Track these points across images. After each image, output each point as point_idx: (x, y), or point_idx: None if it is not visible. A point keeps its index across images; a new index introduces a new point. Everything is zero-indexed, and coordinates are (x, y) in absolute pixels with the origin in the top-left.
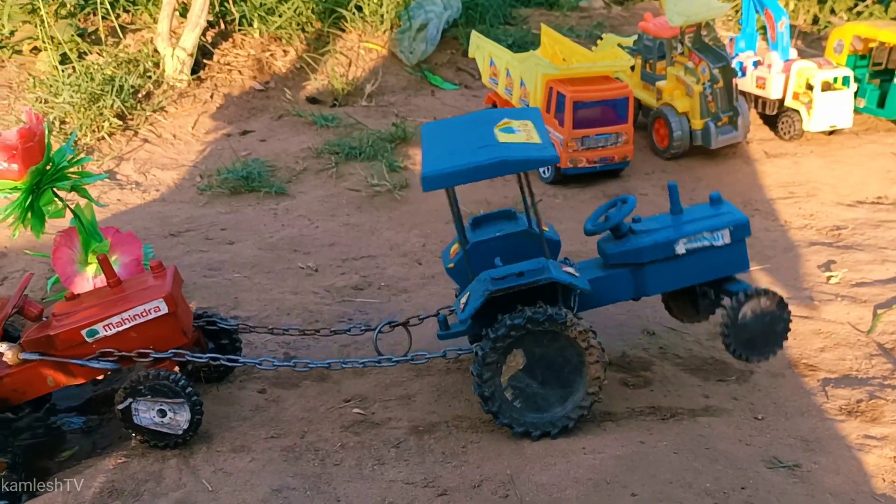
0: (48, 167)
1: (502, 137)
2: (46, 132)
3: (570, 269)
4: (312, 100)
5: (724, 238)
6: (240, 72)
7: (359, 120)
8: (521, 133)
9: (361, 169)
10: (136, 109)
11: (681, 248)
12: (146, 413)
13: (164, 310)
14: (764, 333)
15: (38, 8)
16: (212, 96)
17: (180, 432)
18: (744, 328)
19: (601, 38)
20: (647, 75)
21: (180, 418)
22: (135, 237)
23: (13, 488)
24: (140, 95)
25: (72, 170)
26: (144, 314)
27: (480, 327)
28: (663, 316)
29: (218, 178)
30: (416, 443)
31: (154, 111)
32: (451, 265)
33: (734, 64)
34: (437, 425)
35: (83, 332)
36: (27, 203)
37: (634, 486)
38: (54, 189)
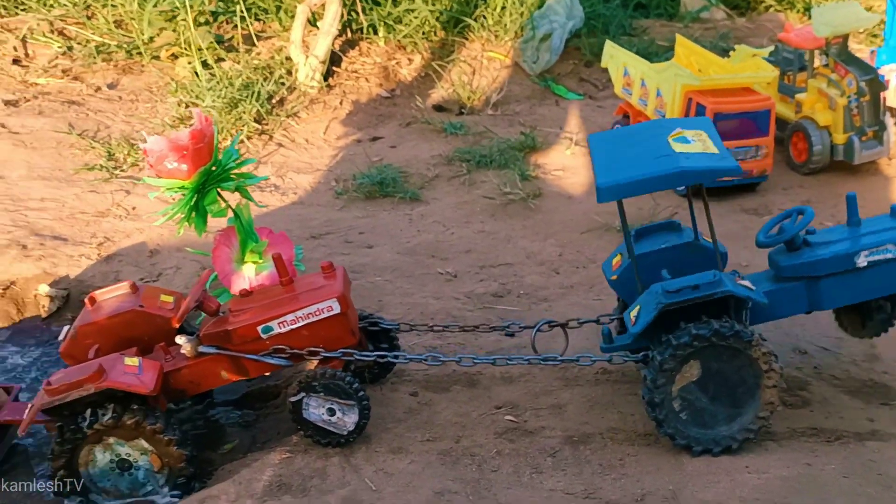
0: (213, 168)
1: (678, 147)
2: (215, 134)
3: (746, 282)
4: (439, 107)
5: None
6: (367, 79)
7: (488, 128)
8: (697, 143)
9: (493, 177)
10: (271, 115)
11: (862, 261)
12: (316, 409)
13: (337, 310)
14: None
15: (178, 15)
16: (341, 103)
17: (345, 433)
18: None
19: (733, 50)
20: (786, 87)
21: (348, 419)
22: (287, 238)
23: (186, 479)
24: (274, 101)
25: (236, 171)
26: (317, 313)
27: (646, 342)
28: (814, 334)
29: (353, 183)
30: (572, 453)
31: (287, 116)
32: (615, 277)
33: None
34: (591, 436)
35: (259, 329)
36: (192, 202)
37: None
38: (218, 189)
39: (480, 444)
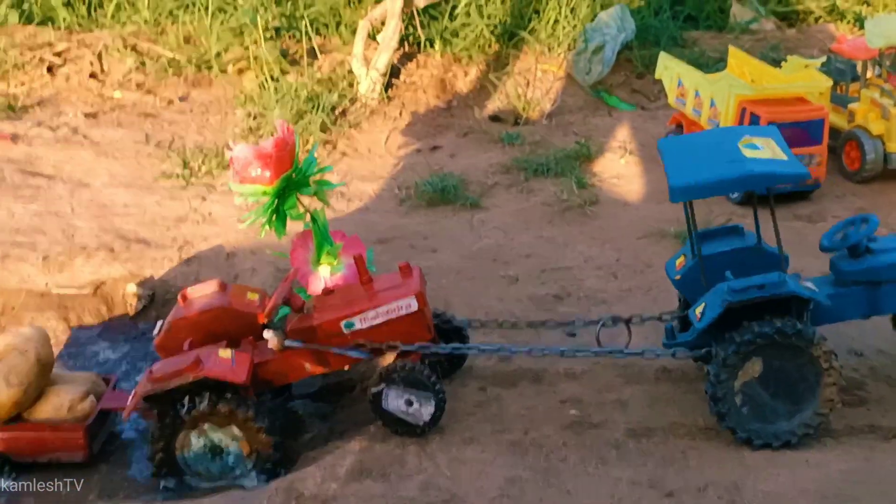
0: (294, 175)
1: (748, 153)
2: (297, 143)
3: (809, 284)
4: (494, 118)
5: None
6: (424, 91)
7: (544, 137)
8: (766, 150)
9: (550, 184)
10: (334, 125)
11: None
12: (395, 401)
13: (415, 307)
14: None
15: (244, 31)
16: (400, 114)
17: (421, 423)
18: None
19: (784, 61)
20: (838, 97)
21: (424, 411)
22: (360, 241)
23: (273, 465)
24: (337, 112)
25: (315, 177)
26: (397, 310)
27: (708, 339)
28: (869, 336)
29: (416, 190)
30: (636, 446)
31: (350, 127)
32: (678, 277)
33: None
34: (654, 430)
35: (342, 324)
36: (274, 207)
37: (864, 500)
38: (298, 194)
39: (547, 435)
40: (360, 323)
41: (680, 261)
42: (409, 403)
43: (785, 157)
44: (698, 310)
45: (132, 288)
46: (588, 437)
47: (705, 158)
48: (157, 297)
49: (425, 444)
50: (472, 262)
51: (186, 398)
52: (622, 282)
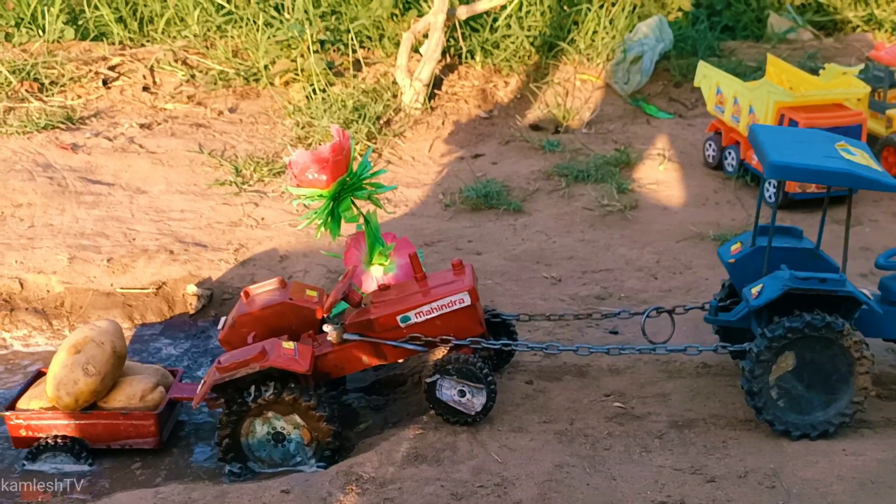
0: (348, 179)
1: (845, 155)
2: (352, 147)
3: (867, 291)
4: (535, 127)
5: None
6: (465, 101)
7: (584, 144)
8: (860, 157)
9: (591, 190)
10: (380, 134)
11: None
12: (448, 391)
13: (468, 302)
14: None
15: (291, 44)
16: (443, 123)
17: (472, 413)
18: None
19: (822, 69)
20: (876, 104)
21: (476, 401)
22: (409, 242)
23: (332, 452)
24: (382, 122)
25: (369, 180)
26: (450, 304)
27: (749, 321)
28: None
29: (460, 196)
30: (678, 436)
31: (395, 136)
32: (732, 261)
33: None
34: (695, 421)
35: (398, 318)
36: (329, 209)
37: None
38: (352, 197)
39: (592, 426)
40: (415, 317)
41: (736, 246)
42: (462, 394)
43: (877, 168)
44: (755, 289)
45: (192, 288)
46: (631, 428)
47: (804, 148)
48: (214, 297)
49: (476, 432)
50: (516, 264)
51: (252, 387)
52: (662, 282)
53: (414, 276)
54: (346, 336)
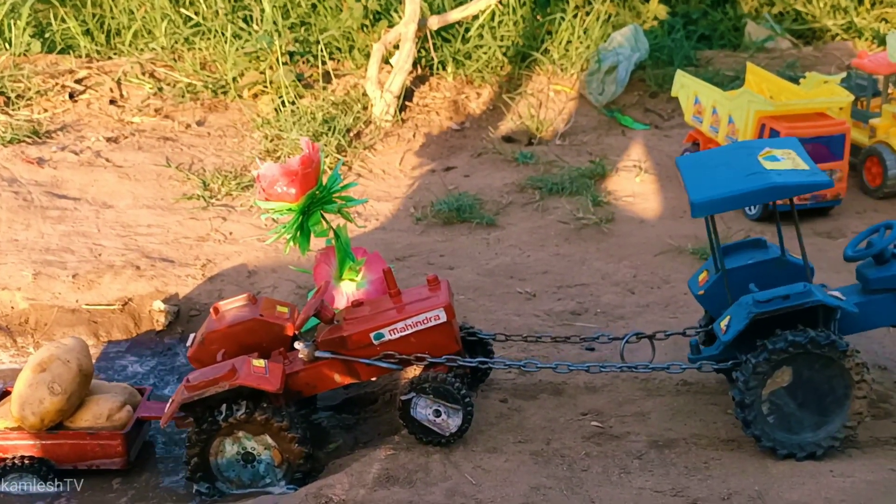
0: (318, 192)
1: (768, 165)
2: (322, 159)
3: (836, 293)
4: (508, 139)
5: None
6: (437, 113)
7: (559, 156)
8: (787, 160)
9: (565, 203)
10: (350, 147)
11: None
12: (423, 409)
13: (443, 318)
14: None
15: (260, 56)
16: (414, 135)
17: (447, 434)
18: None
19: (803, 78)
20: (859, 113)
21: (451, 422)
22: (380, 257)
23: (302, 474)
24: (352, 134)
25: (339, 194)
26: (425, 322)
27: (734, 352)
28: (893, 351)
29: (431, 210)
30: (658, 456)
31: (365, 148)
32: (702, 292)
33: None
34: (675, 441)
35: (371, 335)
36: (299, 223)
37: None
38: (322, 211)
39: (569, 446)
40: (389, 334)
41: (703, 276)
42: (438, 414)
43: (807, 168)
44: (723, 322)
45: (159, 305)
46: (610, 448)
47: (725, 172)
48: (182, 314)
49: (449, 453)
50: (489, 279)
51: (224, 406)
52: (640, 297)
53: (388, 292)
54: (317, 353)
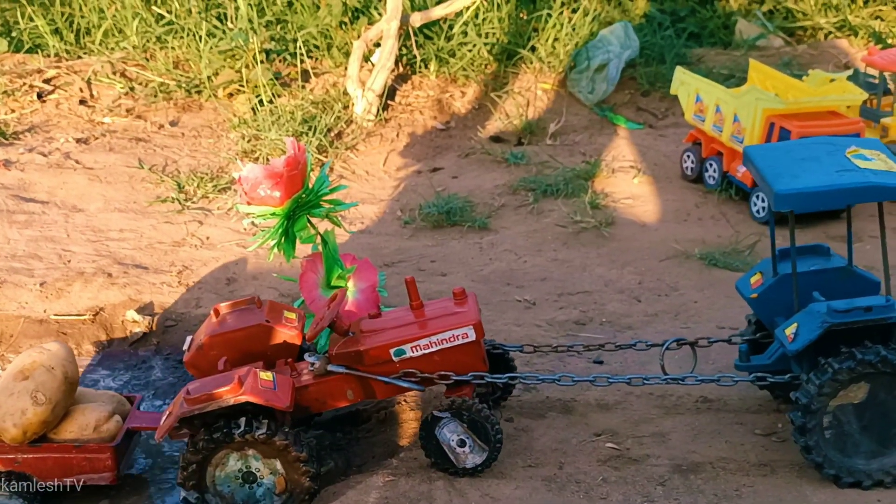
0: (304, 195)
1: (861, 164)
2: (308, 161)
3: None
4: (496, 138)
5: None
6: (421, 112)
7: (552, 156)
8: (878, 161)
9: (561, 205)
10: (331, 147)
11: None
12: (450, 434)
13: (472, 337)
14: None
15: (236, 54)
16: (397, 135)
17: (459, 468)
18: None
19: (806, 76)
20: (869, 112)
21: (471, 458)
22: (370, 264)
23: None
24: (332, 134)
25: (326, 197)
26: (452, 339)
27: (789, 363)
28: None
29: (420, 213)
30: (683, 482)
31: (346, 149)
32: (754, 295)
33: None
34: (701, 465)
35: (391, 351)
36: (283, 229)
37: None
38: (308, 216)
39: (584, 471)
40: (411, 351)
41: (755, 278)
42: (462, 444)
43: None
44: (789, 330)
45: (132, 314)
46: (629, 473)
47: (811, 166)
48: (157, 323)
49: (454, 479)
50: (485, 286)
51: (243, 420)
52: (647, 306)
53: (410, 304)
54: (330, 367)
